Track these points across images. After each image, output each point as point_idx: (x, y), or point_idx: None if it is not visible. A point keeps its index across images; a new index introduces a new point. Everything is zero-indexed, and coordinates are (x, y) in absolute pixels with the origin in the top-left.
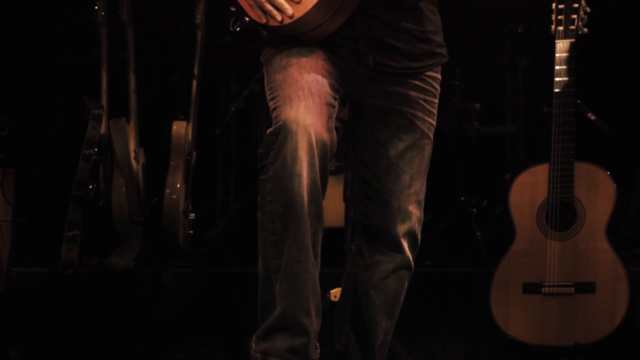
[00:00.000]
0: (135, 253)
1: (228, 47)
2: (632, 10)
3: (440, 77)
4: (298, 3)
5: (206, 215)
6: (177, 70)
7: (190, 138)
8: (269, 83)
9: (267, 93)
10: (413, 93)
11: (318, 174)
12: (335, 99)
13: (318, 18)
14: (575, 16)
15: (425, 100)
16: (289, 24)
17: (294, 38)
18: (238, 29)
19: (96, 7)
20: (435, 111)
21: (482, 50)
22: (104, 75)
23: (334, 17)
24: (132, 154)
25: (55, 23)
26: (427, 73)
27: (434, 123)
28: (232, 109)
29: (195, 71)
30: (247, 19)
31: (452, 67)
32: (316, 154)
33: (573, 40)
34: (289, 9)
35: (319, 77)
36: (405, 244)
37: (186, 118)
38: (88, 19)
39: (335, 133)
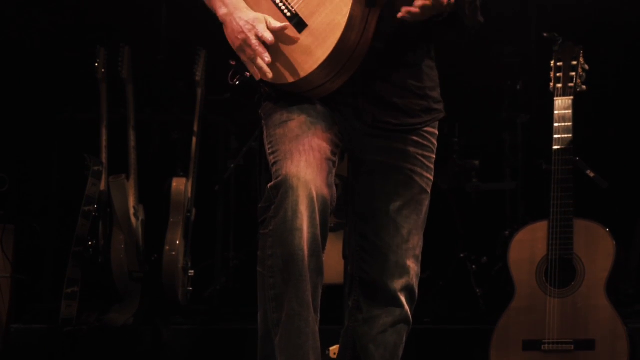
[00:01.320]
0: (135, 310)
1: (228, 104)
2: (630, 69)
3: (437, 133)
4: (303, 62)
5: (206, 272)
6: (177, 127)
7: (189, 195)
8: (269, 137)
9: (267, 147)
10: (412, 149)
11: (318, 228)
12: (334, 154)
13: (322, 77)
14: (573, 74)
15: (424, 156)
16: (294, 81)
17: (294, 94)
18: (237, 82)
19: (96, 64)
20: (432, 166)
21: (481, 107)
22: (104, 131)
23: (337, 76)
24: (132, 211)
25: (55, 80)
26: (425, 129)
27: (432, 178)
28: (232, 165)
29: (195, 128)
30: (248, 74)
31: (452, 124)
32: (317, 209)
33: (572, 97)
34: (268, 73)
35: (320, 132)
36: (403, 299)
37: (186, 175)
38: (88, 76)
39: (335, 188)
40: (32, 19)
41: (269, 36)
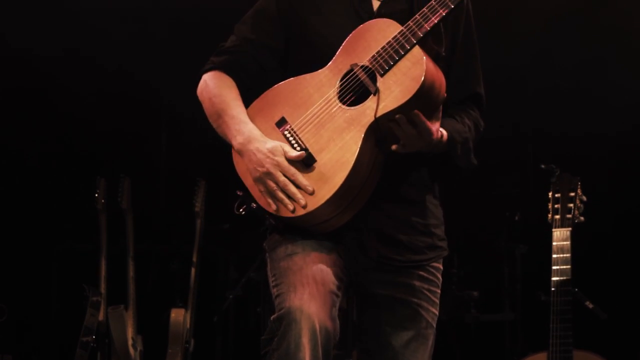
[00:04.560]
0: None
1: (227, 234)
2: (629, 199)
3: (442, 268)
4: (311, 195)
5: None
6: (176, 258)
7: (188, 325)
8: (272, 270)
9: (271, 280)
10: (417, 283)
11: None
12: (339, 288)
13: (328, 213)
14: (571, 205)
15: (430, 290)
16: (300, 215)
17: (300, 228)
18: (243, 212)
19: (96, 195)
20: (438, 301)
21: (480, 238)
22: (103, 262)
23: (343, 213)
24: (130, 341)
25: (55, 210)
26: (431, 264)
27: (437, 313)
28: (231, 296)
29: (194, 258)
30: (254, 205)
31: (450, 255)
32: (319, 342)
33: (570, 229)
34: (301, 199)
35: (323, 266)
36: None
37: (185, 305)
38: (88, 207)
39: (338, 321)
40: (32, 149)
41: (302, 180)
